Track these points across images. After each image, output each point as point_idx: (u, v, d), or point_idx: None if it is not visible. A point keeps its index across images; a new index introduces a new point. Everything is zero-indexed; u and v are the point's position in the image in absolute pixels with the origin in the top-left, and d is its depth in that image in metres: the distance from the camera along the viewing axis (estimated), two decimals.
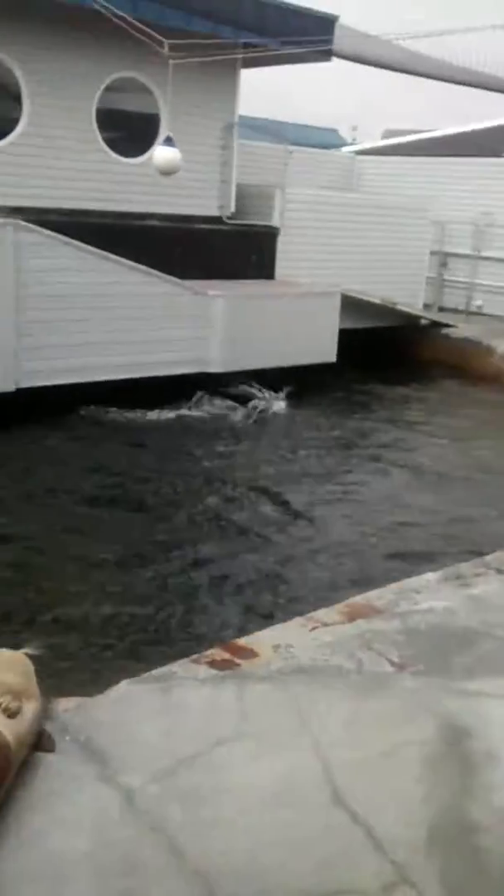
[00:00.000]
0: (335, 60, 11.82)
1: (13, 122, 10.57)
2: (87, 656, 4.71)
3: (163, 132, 10.74)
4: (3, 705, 2.62)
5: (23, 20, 10.02)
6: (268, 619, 4.92)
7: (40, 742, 2.76)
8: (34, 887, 2.28)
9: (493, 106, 15.98)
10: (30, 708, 2.72)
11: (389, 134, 22.71)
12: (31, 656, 2.99)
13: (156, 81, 11.02)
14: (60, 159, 10.79)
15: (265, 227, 12.51)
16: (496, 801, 2.72)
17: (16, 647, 3.06)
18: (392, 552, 6.64)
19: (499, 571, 4.51)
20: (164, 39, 8.76)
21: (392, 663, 3.48)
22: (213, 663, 3.35)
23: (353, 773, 2.81)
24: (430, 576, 4.44)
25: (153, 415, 9.79)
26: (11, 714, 2.62)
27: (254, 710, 3.09)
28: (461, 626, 3.85)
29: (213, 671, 3.29)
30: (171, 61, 8.91)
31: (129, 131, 11.60)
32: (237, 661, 3.38)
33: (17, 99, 10.52)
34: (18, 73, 10.39)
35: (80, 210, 10.86)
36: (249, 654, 3.45)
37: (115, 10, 8.88)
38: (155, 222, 11.43)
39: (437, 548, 6.65)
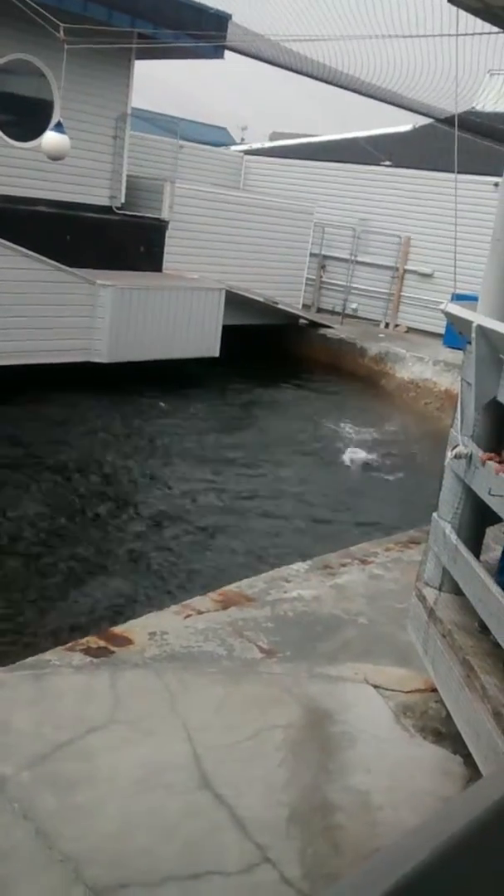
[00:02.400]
0: (230, 62, 11.94)
1: None
2: None
3: (55, 117, 10.57)
4: None
5: None
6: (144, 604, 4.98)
7: None
8: None
9: (375, 115, 16.45)
10: None
11: (276, 136, 22.99)
12: None
13: (50, 66, 10.84)
14: None
15: (154, 219, 12.50)
16: (351, 781, 2.89)
17: None
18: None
19: (362, 562, 4.72)
20: (59, 23, 8.63)
21: (261, 649, 3.62)
22: (87, 651, 3.39)
23: (221, 756, 2.92)
24: (300, 565, 4.61)
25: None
26: None
27: (126, 697, 3.16)
28: (326, 614, 4.03)
29: (88, 658, 3.34)
30: (65, 45, 8.78)
31: (21, 115, 11.36)
32: (112, 648, 3.44)
33: None
34: None
35: None
36: (124, 641, 3.51)
37: None
38: (43, 208, 11.24)
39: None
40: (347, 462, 9.34)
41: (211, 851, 2.54)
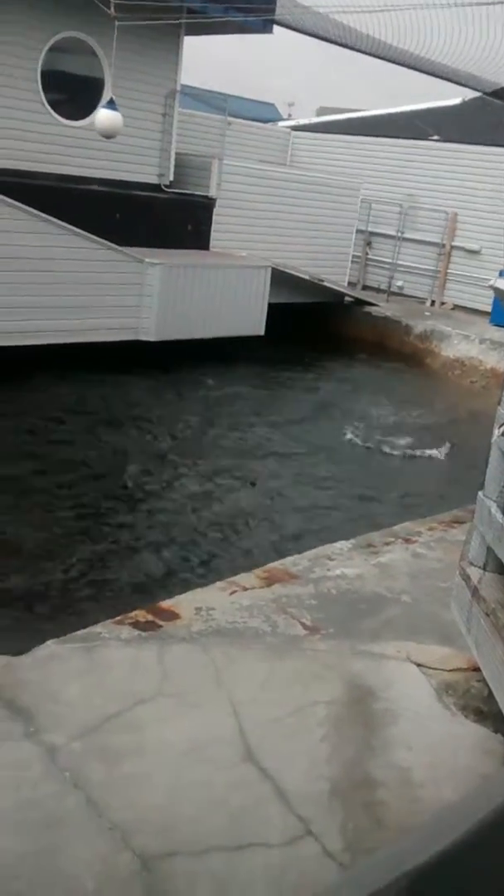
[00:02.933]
0: (278, 36, 11.87)
1: None
2: (12, 616, 4.77)
3: (106, 95, 10.61)
4: None
5: None
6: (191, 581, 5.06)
7: None
8: None
9: (424, 89, 16.22)
10: None
11: (324, 111, 22.76)
12: None
13: (101, 43, 10.89)
14: (3, 118, 10.58)
15: (202, 196, 12.51)
16: (393, 757, 2.93)
17: None
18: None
19: (406, 541, 4.74)
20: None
21: (305, 626, 3.66)
22: (136, 624, 3.47)
23: (265, 731, 2.97)
24: (343, 544, 4.64)
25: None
26: None
27: (174, 671, 3.23)
28: (369, 592, 4.06)
29: (136, 632, 3.42)
30: (116, 22, 8.80)
31: (72, 93, 11.43)
32: (159, 622, 3.51)
33: None
34: None
35: (22, 171, 10.68)
36: (171, 616, 3.58)
37: None
38: (95, 187, 11.32)
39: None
40: (391, 440, 9.32)
41: (255, 823, 2.60)
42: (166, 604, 3.71)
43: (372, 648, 3.55)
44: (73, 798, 2.59)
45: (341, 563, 4.36)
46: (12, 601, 4.98)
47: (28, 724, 2.85)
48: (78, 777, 2.67)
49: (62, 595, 5.16)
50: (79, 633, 3.40)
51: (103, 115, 9.45)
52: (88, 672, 3.16)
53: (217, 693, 3.15)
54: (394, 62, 12.96)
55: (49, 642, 3.30)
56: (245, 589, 3.92)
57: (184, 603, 3.74)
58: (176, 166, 12.54)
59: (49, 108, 11.04)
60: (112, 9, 8.66)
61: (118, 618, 3.54)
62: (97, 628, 3.44)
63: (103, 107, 9.63)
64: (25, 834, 2.42)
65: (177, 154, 12.53)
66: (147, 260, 10.47)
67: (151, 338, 10.61)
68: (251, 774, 2.81)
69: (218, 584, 4.02)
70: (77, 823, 2.50)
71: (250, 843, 2.53)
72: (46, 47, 10.82)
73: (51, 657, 3.22)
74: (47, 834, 2.45)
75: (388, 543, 4.69)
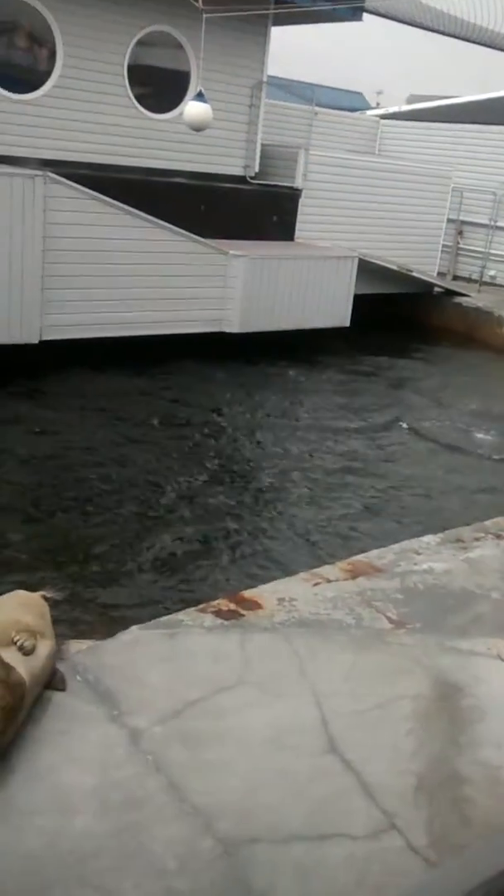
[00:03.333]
0: (367, 23, 11.72)
1: (46, 75, 10.53)
2: (99, 600, 4.86)
3: (193, 88, 10.67)
4: (18, 643, 2.74)
5: None
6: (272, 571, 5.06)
7: (52, 681, 2.89)
8: (44, 818, 2.41)
9: None
10: (44, 647, 2.85)
11: (414, 99, 22.44)
12: (47, 598, 3.12)
13: (187, 36, 10.96)
14: (91, 113, 10.76)
15: (287, 187, 12.46)
16: (482, 755, 2.85)
17: (33, 588, 3.18)
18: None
19: (497, 537, 4.62)
20: None
21: (390, 620, 3.60)
22: (218, 613, 3.47)
23: (348, 722, 2.94)
24: (430, 538, 4.55)
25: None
26: (27, 652, 2.74)
27: (256, 659, 3.22)
28: (458, 588, 3.97)
29: (219, 620, 3.42)
30: (204, 15, 8.81)
31: (158, 87, 11.53)
32: (242, 611, 3.50)
33: (50, 51, 10.47)
34: (53, 24, 10.32)
35: (108, 165, 10.86)
36: (254, 605, 3.57)
37: None
38: (181, 179, 11.41)
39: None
40: (480, 437, 9.12)
41: (338, 814, 2.57)
42: (249, 593, 3.70)
43: (460, 645, 3.47)
44: (155, 781, 2.61)
45: (428, 557, 4.28)
46: (99, 586, 5.06)
47: (112, 707, 2.88)
48: (160, 761, 2.68)
49: (146, 581, 5.23)
50: (162, 619, 3.43)
51: (193, 108, 9.45)
52: (171, 658, 3.18)
53: (299, 683, 3.13)
54: (486, 45, 12.66)
55: (133, 628, 3.33)
56: (328, 581, 3.88)
57: (266, 593, 3.73)
58: (261, 157, 12.53)
59: (135, 101, 11.16)
60: (200, 2, 8.67)
61: (201, 606, 3.55)
62: (180, 615, 3.46)
63: (193, 99, 9.64)
64: (109, 814, 2.45)
65: (262, 145, 12.51)
66: (231, 252, 10.49)
67: (234, 329, 10.63)
68: (334, 765, 2.78)
69: (301, 574, 3.99)
70: (159, 806, 2.52)
71: (333, 833, 2.50)
72: (134, 42, 10.93)
73: (135, 642, 3.24)
74: (130, 814, 2.47)
75: (477, 539, 4.58)
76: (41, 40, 10.49)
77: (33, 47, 10.54)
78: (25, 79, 10.48)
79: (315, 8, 10.74)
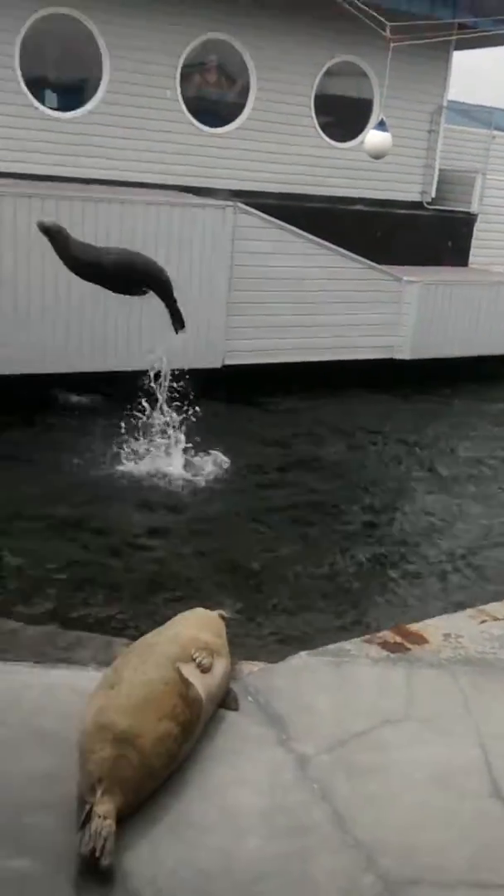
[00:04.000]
0: None
1: (238, 109, 10.90)
2: (270, 624, 4.99)
3: (375, 116, 10.76)
4: (198, 660, 2.88)
5: (252, 6, 10.33)
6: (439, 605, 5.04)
7: (226, 700, 3.02)
8: (216, 837, 2.51)
9: None
10: (220, 666, 2.98)
11: None
12: (224, 618, 3.26)
13: (372, 65, 11.11)
14: (278, 144, 11.06)
15: (463, 212, 12.31)
16: None
17: (211, 607, 3.34)
18: None
19: None
20: (386, 22, 8.71)
21: None
22: (384, 645, 3.51)
23: None
24: None
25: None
26: (205, 670, 2.87)
27: (421, 695, 3.24)
28: None
29: (385, 652, 3.46)
30: (391, 44, 8.84)
31: (341, 115, 11.70)
32: (408, 645, 3.52)
33: (242, 85, 10.85)
34: (248, 60, 10.70)
35: (292, 194, 11.12)
36: (419, 639, 3.58)
37: None
38: (360, 207, 11.51)
39: None
40: None
41: (502, 864, 2.55)
42: (414, 627, 3.72)
43: None
44: (321, 810, 2.68)
45: None
46: (267, 612, 5.19)
47: (281, 731, 2.97)
48: (326, 789, 2.75)
49: (316, 608, 5.32)
50: (329, 647, 3.49)
51: (374, 137, 9.44)
52: (338, 687, 3.24)
53: (465, 722, 3.12)
54: None
55: (302, 653, 3.41)
56: (496, 619, 3.84)
57: (431, 627, 3.73)
58: (437, 182, 12.42)
59: (320, 131, 11.35)
60: (388, 31, 8.70)
61: (367, 636, 3.60)
62: (347, 644, 3.52)
63: (374, 128, 9.66)
64: (276, 838, 2.53)
65: (439, 170, 12.40)
66: (405, 278, 10.46)
67: (406, 356, 10.59)
68: (498, 811, 2.76)
69: (467, 611, 3.97)
70: (324, 835, 2.58)
71: (497, 884, 2.49)
72: (321, 72, 11.13)
73: (303, 668, 3.33)
74: (296, 841, 2.54)
75: None
76: (233, 75, 10.89)
77: (226, 82, 10.95)
78: (218, 113, 10.92)
79: (498, 31, 10.55)
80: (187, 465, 7.46)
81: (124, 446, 7.40)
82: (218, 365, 9.33)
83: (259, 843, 2.51)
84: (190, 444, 7.55)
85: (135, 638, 3.17)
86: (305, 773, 2.80)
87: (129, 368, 8.03)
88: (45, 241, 6.53)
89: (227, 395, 8.80)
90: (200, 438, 7.59)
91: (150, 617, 4.62)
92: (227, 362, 9.42)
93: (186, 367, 7.53)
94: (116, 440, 7.39)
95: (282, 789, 2.72)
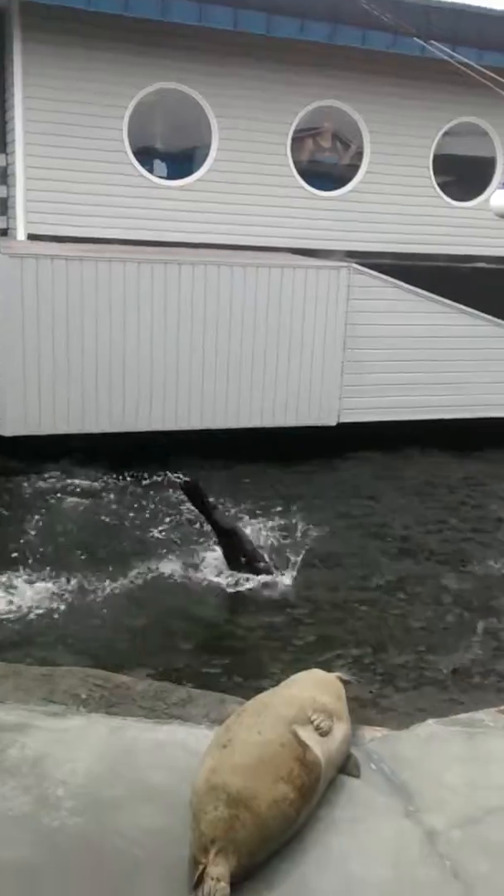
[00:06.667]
0: None
1: (352, 172, 11.12)
2: (393, 690, 4.72)
3: (499, 174, 10.71)
4: (316, 723, 2.70)
5: (363, 71, 10.53)
6: None
7: (347, 766, 2.82)
8: None
9: None
10: (340, 730, 2.79)
11: None
12: (342, 681, 3.07)
13: (494, 124, 11.15)
14: (395, 205, 11.13)
15: None
16: None
17: (329, 669, 3.16)
18: None
19: None
20: None
21: None
22: None
23: None
24: None
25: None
26: (324, 733, 2.70)
27: None
28: None
29: None
30: None
31: (461, 174, 11.71)
32: None
33: (356, 149, 11.03)
34: (361, 125, 10.89)
35: (410, 253, 11.14)
36: None
37: (462, 59, 9.03)
38: (482, 264, 11.41)
39: None
40: None
41: None
42: None
43: None
44: (453, 889, 2.43)
45: None
46: (395, 676, 4.92)
47: (408, 801, 2.75)
48: (458, 867, 2.50)
49: (445, 675, 5.00)
50: (460, 716, 3.26)
51: (501, 196, 9.40)
52: (471, 759, 2.99)
53: None
54: None
55: (429, 721, 3.19)
56: None
57: None
58: None
59: (439, 191, 11.39)
60: None
61: (502, 707, 3.33)
62: (480, 714, 3.27)
63: (500, 187, 9.60)
64: None
65: None
66: None
67: None
68: None
69: None
70: None
71: None
72: (441, 133, 11.23)
73: (431, 737, 3.10)
74: None
75: None
76: (346, 140, 11.08)
77: (339, 147, 11.16)
78: (331, 176, 11.09)
79: None
80: None
81: None
82: (332, 422, 9.41)
83: None
84: None
85: (248, 697, 3.03)
86: (435, 848, 2.56)
87: None
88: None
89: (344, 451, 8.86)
90: None
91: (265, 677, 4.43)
92: (343, 420, 9.47)
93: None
94: None
95: (408, 863, 2.50)
